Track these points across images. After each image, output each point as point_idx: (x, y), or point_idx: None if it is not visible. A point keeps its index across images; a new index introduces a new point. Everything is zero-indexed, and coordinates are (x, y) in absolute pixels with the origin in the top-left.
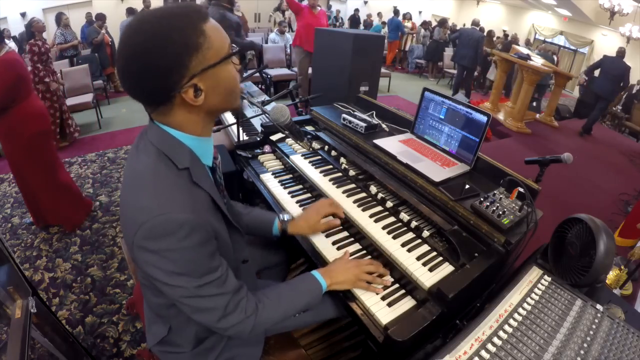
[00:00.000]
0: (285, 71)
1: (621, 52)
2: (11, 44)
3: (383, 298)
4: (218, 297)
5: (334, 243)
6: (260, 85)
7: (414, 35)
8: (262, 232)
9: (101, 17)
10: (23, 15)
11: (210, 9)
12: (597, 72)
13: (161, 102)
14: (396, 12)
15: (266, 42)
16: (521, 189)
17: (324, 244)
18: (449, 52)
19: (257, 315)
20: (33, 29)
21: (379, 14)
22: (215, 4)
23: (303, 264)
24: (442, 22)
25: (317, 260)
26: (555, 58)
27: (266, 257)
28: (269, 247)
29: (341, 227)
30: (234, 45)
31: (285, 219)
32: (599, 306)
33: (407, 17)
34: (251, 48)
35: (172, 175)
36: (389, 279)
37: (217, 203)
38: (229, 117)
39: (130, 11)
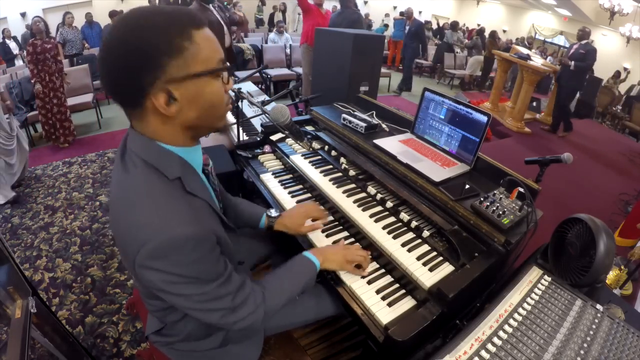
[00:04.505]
0: (285, 71)
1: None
2: (11, 44)
3: (383, 298)
4: (226, 297)
5: (334, 243)
6: (260, 85)
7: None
8: (250, 224)
9: (116, 14)
10: (23, 15)
11: None
12: None
13: (133, 104)
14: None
15: (266, 42)
16: (521, 189)
17: (324, 244)
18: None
19: (266, 303)
20: (32, 29)
21: (387, 15)
22: None
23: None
24: (454, 26)
25: None
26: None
27: (255, 254)
28: (259, 243)
29: (341, 227)
30: (229, 65)
31: (273, 215)
32: (599, 306)
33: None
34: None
35: (165, 187)
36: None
37: (214, 208)
38: (229, 117)
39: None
